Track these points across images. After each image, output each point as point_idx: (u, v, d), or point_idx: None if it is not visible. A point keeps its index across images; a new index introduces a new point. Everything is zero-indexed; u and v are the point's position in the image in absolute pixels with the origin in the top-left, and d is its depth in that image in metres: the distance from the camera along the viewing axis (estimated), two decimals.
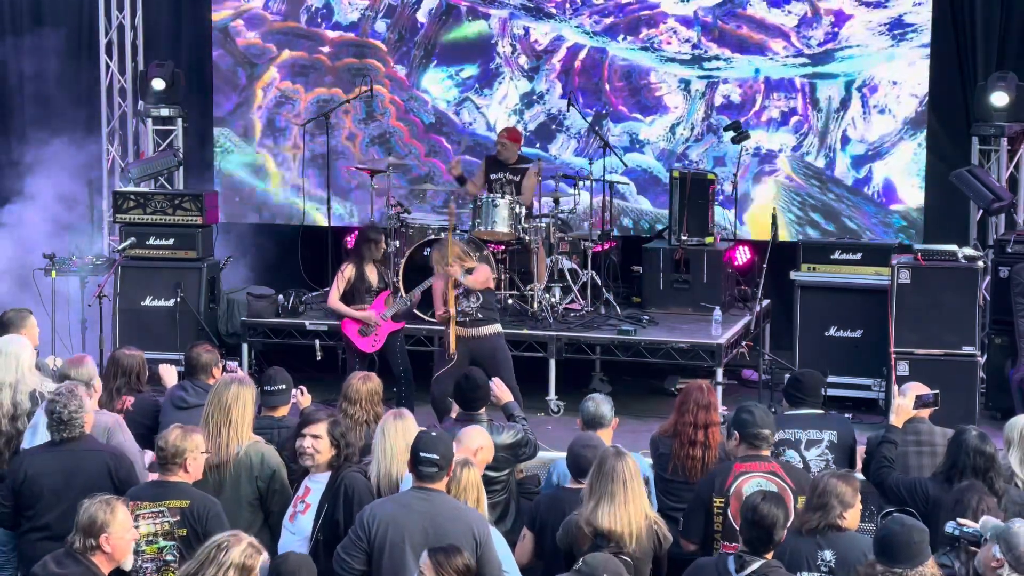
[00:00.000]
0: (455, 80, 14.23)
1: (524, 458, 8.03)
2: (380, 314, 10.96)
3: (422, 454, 6.38)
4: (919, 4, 13.07)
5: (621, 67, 13.84)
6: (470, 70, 14.18)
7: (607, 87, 13.89)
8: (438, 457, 6.38)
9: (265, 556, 5.76)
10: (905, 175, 13.31)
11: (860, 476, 7.46)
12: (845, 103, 13.37)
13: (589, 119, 13.52)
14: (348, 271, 11.12)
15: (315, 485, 6.91)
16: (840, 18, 13.34)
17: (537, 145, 13.97)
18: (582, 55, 13.92)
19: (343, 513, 6.68)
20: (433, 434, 6.53)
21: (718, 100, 13.69)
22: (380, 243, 11.19)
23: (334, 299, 11.12)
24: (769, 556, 6.06)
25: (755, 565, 5.98)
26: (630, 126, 13.86)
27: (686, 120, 13.77)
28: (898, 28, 13.21)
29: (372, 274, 11.10)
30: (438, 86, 14.28)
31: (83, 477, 6.96)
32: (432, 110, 14.34)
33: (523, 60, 14.07)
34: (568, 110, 13.48)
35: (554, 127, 14.06)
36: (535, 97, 14.08)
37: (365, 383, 7.95)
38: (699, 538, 7.01)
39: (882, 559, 5.74)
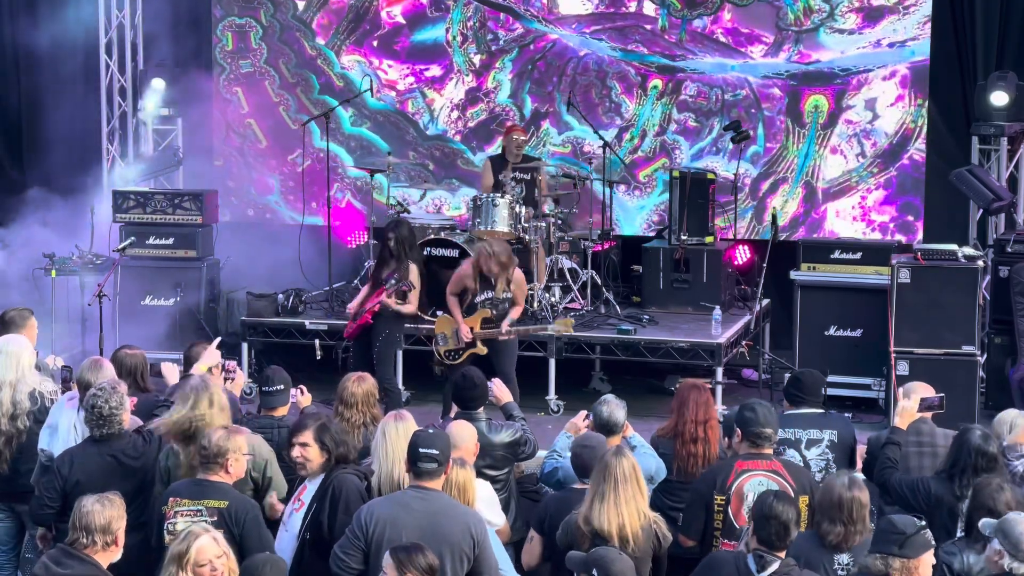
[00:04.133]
0: (415, 76, 14.18)
1: (523, 457, 8.03)
2: (368, 305, 10.73)
3: (421, 450, 6.37)
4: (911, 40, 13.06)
5: (581, 80, 13.72)
6: (435, 70, 14.09)
7: (559, 96, 13.82)
8: (437, 453, 6.37)
9: (206, 537, 5.80)
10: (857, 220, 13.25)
11: (861, 476, 7.47)
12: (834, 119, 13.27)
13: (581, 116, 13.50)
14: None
15: (311, 484, 6.92)
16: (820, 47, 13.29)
17: (473, 143, 13.95)
18: (539, 60, 13.84)
19: (328, 514, 6.68)
20: (431, 431, 6.52)
21: (673, 126, 13.58)
22: (387, 239, 10.86)
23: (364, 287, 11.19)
24: (783, 554, 6.08)
25: (775, 565, 6.02)
26: (576, 135, 13.78)
27: (648, 135, 13.62)
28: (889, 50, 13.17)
29: (387, 269, 10.76)
30: (397, 74, 14.14)
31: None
32: (340, 75, 14.16)
33: (476, 59, 13.99)
34: (569, 110, 13.45)
35: (494, 127, 13.96)
36: (480, 95, 14.03)
37: (360, 385, 7.92)
38: (698, 535, 7.02)
39: (872, 547, 5.86)
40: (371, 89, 13.75)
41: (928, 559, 5.84)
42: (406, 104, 14.14)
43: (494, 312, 10.63)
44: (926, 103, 13.06)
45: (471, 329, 10.59)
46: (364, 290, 10.99)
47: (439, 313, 11.34)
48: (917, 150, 13.16)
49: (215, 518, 6.52)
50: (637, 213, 13.44)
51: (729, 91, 13.49)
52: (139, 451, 7.15)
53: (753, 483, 6.93)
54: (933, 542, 5.91)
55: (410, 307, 10.76)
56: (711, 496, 7.01)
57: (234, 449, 6.69)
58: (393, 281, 10.63)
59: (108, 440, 7.12)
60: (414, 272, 10.71)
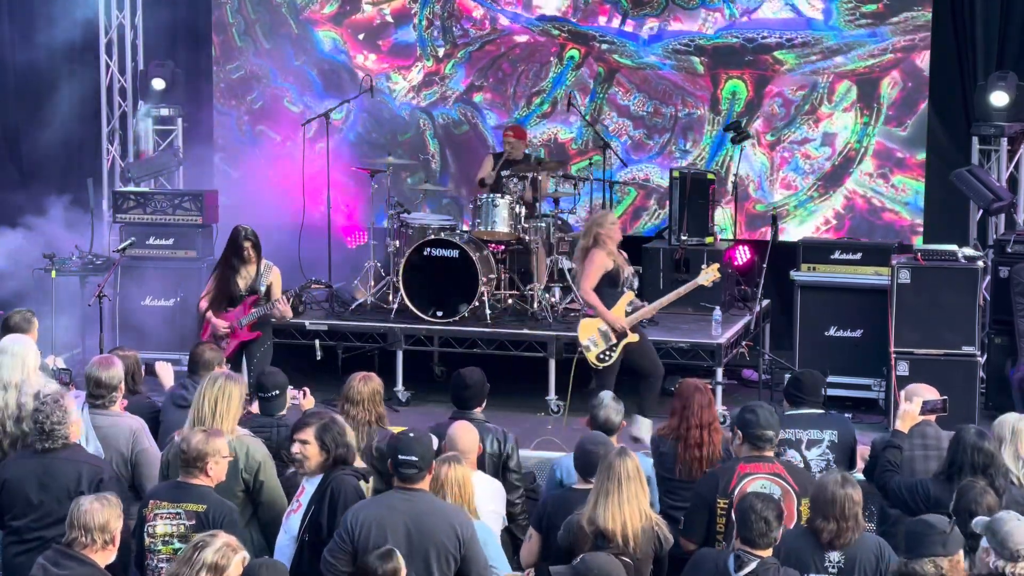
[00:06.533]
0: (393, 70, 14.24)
1: (512, 481, 7.79)
2: (235, 321, 10.48)
3: (400, 456, 6.44)
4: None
5: (544, 84, 13.74)
6: (415, 62, 14.17)
7: (510, 91, 13.84)
8: (416, 458, 6.44)
9: (242, 555, 5.77)
10: None
11: (860, 476, 7.48)
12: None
13: (588, 116, 13.51)
14: (215, 275, 10.67)
15: (310, 485, 6.92)
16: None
17: (422, 117, 14.01)
18: (501, 59, 13.83)
19: (327, 516, 6.69)
20: (411, 435, 6.56)
21: (627, 140, 13.54)
22: (244, 247, 10.48)
23: (203, 302, 10.65)
24: (766, 554, 6.08)
25: (752, 565, 6.04)
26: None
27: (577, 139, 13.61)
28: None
29: (243, 280, 10.53)
30: (375, 66, 14.15)
31: (55, 485, 6.99)
32: (301, 24, 14.21)
33: (440, 50, 14.01)
34: (568, 109, 13.43)
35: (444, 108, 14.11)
36: (436, 79, 14.05)
37: (366, 384, 7.93)
38: (700, 538, 7.01)
39: (911, 552, 5.90)
40: (370, 90, 13.72)
41: (961, 554, 5.90)
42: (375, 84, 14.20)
43: (634, 292, 10.52)
44: (873, 121, 13.03)
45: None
46: (203, 295, 10.70)
47: (438, 314, 11.33)
48: (864, 185, 13.11)
49: (193, 521, 6.56)
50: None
51: (684, 110, 13.48)
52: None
53: (755, 486, 6.91)
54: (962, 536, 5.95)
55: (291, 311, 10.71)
56: (714, 499, 7.00)
57: (213, 452, 6.70)
58: (281, 295, 10.50)
59: (50, 452, 7.06)
60: (277, 275, 10.65)
